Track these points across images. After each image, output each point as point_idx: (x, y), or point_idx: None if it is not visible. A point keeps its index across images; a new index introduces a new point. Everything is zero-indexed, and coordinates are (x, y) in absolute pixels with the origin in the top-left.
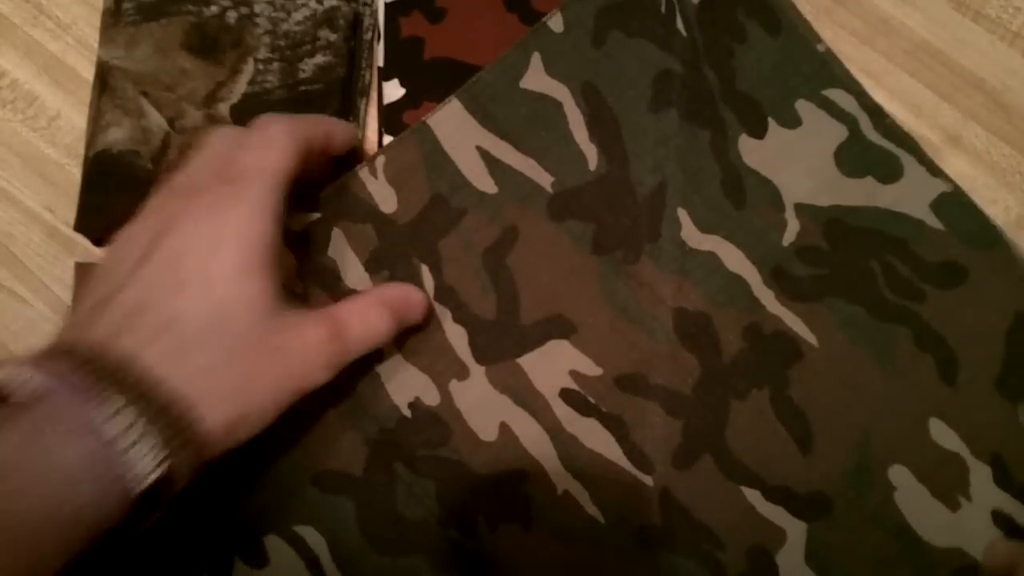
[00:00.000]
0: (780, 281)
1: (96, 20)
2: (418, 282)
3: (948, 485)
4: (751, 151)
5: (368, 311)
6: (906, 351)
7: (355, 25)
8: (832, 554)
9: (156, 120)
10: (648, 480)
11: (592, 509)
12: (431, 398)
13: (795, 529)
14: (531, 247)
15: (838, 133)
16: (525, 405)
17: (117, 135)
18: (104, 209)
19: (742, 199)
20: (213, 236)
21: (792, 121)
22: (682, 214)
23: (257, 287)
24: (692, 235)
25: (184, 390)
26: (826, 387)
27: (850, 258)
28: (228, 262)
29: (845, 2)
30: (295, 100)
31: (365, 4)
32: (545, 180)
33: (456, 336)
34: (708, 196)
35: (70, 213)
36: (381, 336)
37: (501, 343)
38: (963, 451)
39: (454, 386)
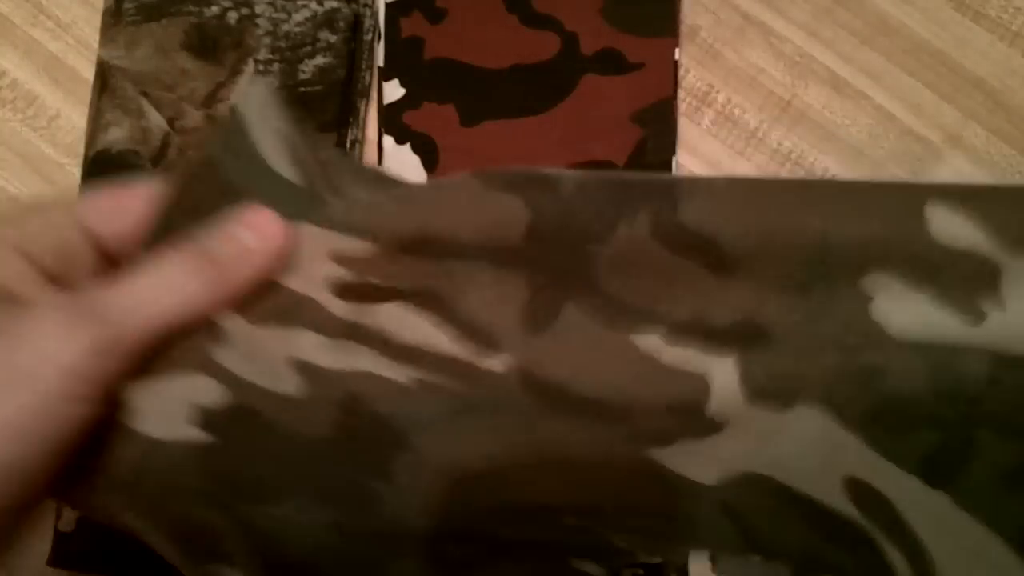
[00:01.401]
0: None
1: (96, 20)
2: None
3: (964, 288)
4: None
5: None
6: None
7: (355, 27)
8: (785, 385)
9: (156, 120)
10: (497, 363)
11: None
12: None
13: (720, 368)
14: None
15: None
16: (297, 322)
17: (117, 135)
18: None
19: None
20: None
21: None
22: None
23: None
24: None
25: None
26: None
27: None
28: None
29: (845, 2)
30: (295, 101)
31: (365, 5)
32: None
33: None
34: None
35: None
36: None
37: None
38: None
39: (219, 354)
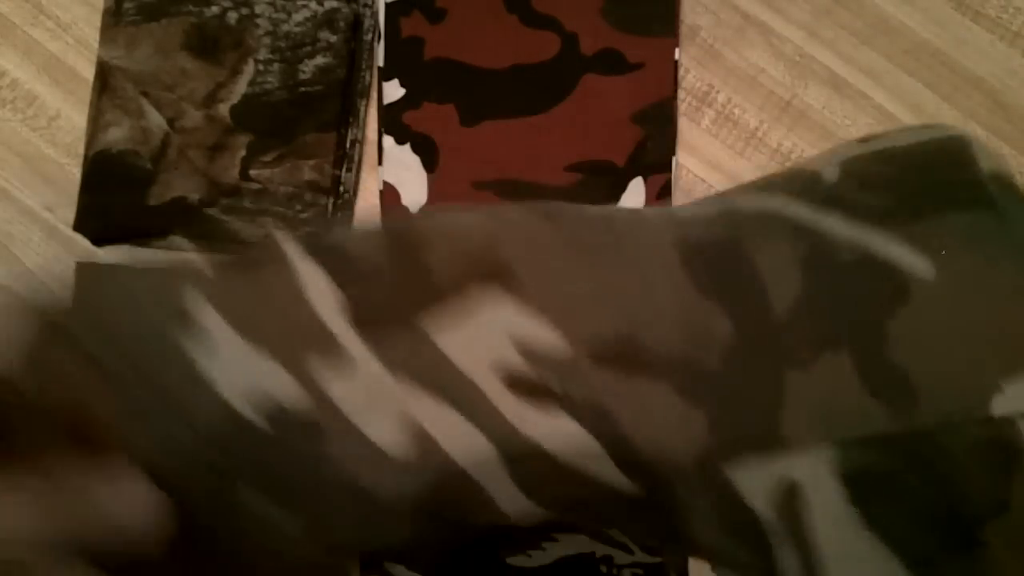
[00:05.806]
0: (842, 204)
1: (96, 20)
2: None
3: None
4: None
5: None
6: None
7: (355, 27)
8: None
9: (156, 120)
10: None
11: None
12: (289, 395)
13: None
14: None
15: None
16: (446, 395)
17: (117, 135)
18: (104, 209)
19: None
20: None
21: None
22: None
23: None
24: None
25: None
26: (945, 333)
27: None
28: None
29: (845, 2)
30: (295, 101)
31: (365, 6)
32: None
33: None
34: None
35: (70, 213)
36: None
37: (394, 302)
38: None
39: (324, 376)
